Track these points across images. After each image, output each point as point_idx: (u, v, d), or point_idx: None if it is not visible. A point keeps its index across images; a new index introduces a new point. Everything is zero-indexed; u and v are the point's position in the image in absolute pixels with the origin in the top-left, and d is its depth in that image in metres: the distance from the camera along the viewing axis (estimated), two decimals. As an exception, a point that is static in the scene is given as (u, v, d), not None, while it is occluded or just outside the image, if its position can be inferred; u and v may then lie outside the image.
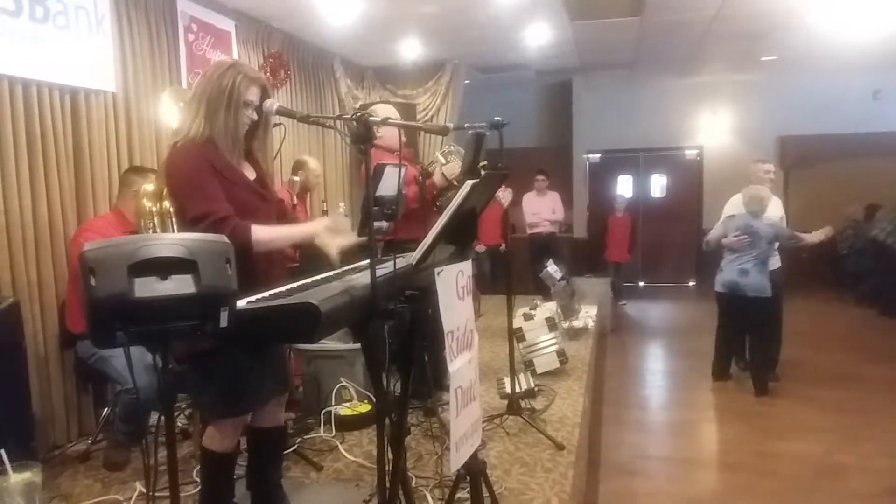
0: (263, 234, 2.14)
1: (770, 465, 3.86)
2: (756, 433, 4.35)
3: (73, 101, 3.68)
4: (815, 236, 4.83)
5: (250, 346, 2.17)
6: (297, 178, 4.84)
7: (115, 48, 3.93)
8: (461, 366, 2.01)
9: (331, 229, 2.18)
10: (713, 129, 10.24)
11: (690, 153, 10.60)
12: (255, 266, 2.11)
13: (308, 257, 2.51)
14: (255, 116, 2.25)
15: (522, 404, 3.73)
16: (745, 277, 4.82)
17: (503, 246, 7.84)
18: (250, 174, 2.31)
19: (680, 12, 6.13)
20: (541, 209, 8.47)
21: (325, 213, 5.76)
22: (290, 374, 3.06)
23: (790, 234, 4.93)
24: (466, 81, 8.19)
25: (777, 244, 4.90)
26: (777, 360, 5.24)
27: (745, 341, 5.25)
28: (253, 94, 2.20)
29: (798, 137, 9.76)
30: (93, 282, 1.36)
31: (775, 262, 5.01)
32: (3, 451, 1.85)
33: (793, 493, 3.53)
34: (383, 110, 3.48)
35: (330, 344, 3.84)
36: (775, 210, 5.02)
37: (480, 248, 7.83)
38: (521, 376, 4.01)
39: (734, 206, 5.09)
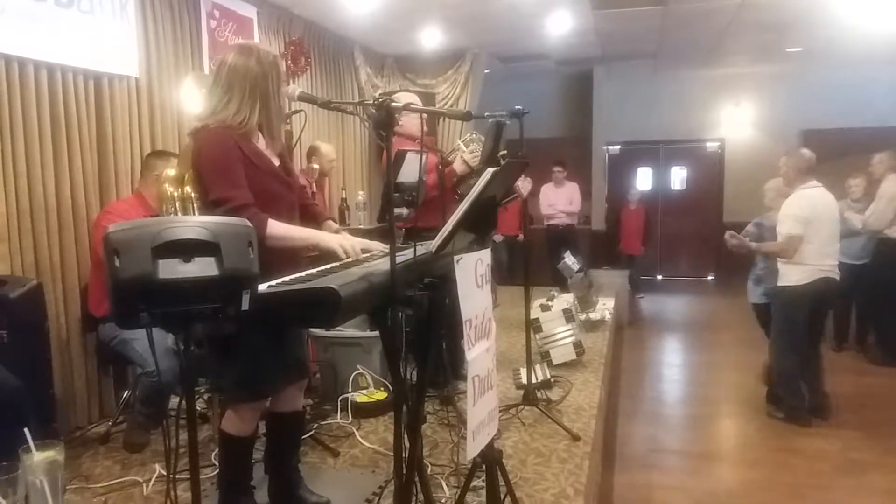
0: (279, 230, 2.15)
1: (787, 461, 3.83)
2: (773, 429, 4.32)
3: (96, 85, 3.71)
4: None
5: (270, 331, 2.19)
6: (315, 167, 4.88)
7: (139, 34, 3.95)
8: (479, 354, 2.00)
9: (346, 248, 2.17)
10: (736, 122, 10.11)
11: (712, 146, 10.47)
12: (279, 252, 2.12)
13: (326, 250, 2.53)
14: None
15: (538, 395, 3.72)
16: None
17: (520, 236, 7.83)
18: (275, 160, 2.32)
19: (705, 1, 6.04)
20: (557, 200, 8.45)
21: (343, 200, 5.79)
22: (308, 360, 3.08)
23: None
24: (486, 71, 8.14)
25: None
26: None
27: None
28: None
29: (822, 131, 9.59)
30: (117, 263, 1.37)
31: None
32: (26, 430, 1.88)
33: (811, 488, 3.50)
34: (405, 97, 3.46)
35: (347, 331, 3.86)
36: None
37: (498, 237, 7.81)
38: (538, 367, 4.00)
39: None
